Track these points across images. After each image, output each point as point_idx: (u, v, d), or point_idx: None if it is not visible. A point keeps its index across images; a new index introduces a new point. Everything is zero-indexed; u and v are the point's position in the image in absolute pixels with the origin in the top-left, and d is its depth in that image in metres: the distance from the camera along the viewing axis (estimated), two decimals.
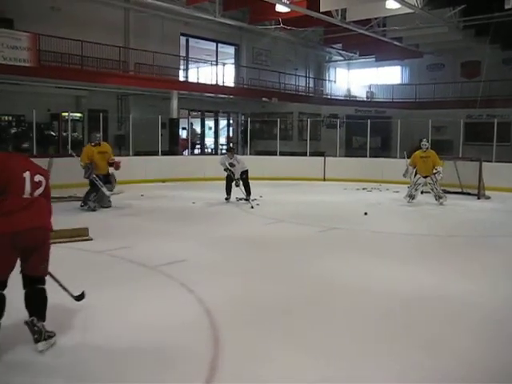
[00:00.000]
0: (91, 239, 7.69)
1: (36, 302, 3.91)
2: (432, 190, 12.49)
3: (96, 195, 10.62)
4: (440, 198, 12.40)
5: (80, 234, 7.80)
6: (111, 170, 11.10)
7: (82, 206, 10.59)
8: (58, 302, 4.37)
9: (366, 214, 10.64)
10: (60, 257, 6.70)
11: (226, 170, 12.20)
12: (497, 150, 16.45)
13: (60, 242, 7.42)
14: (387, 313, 4.78)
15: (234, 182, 12.10)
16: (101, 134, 11.54)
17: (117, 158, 11.33)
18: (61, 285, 4.33)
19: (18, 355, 3.74)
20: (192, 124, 20.97)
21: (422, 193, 13.24)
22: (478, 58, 25.28)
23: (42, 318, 3.85)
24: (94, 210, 10.42)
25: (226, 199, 12.27)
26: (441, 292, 5.40)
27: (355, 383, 3.46)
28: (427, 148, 12.46)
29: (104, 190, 10.60)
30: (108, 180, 10.94)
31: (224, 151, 20.02)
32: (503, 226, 9.97)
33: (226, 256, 7.01)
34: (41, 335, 3.74)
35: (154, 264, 6.28)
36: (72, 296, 4.41)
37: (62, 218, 9.71)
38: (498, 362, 3.79)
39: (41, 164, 4.37)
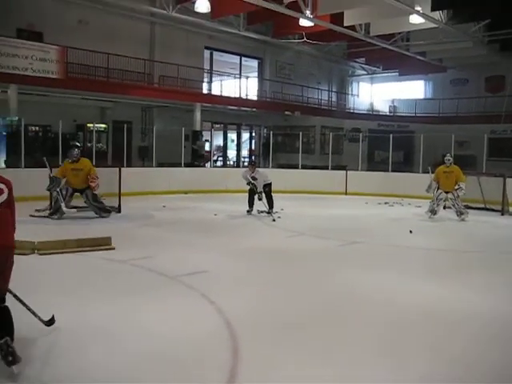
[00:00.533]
0: (114, 248, 7.79)
1: (7, 321, 3.62)
2: (453, 205, 12.39)
3: (51, 208, 10.84)
4: (462, 213, 12.27)
5: (103, 243, 7.91)
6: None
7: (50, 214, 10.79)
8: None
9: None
10: (82, 265, 6.92)
11: (248, 183, 12.28)
12: None
13: (83, 251, 7.60)
14: (405, 325, 4.77)
15: (257, 196, 12.17)
16: (79, 150, 10.99)
17: (98, 180, 11.01)
18: (29, 309, 4.08)
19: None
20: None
21: (444, 208, 13.16)
22: (503, 72, 25.12)
23: (12, 337, 3.57)
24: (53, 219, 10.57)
25: (248, 212, 12.32)
26: (459, 307, 5.36)
27: None
28: (451, 163, 12.37)
29: (62, 205, 10.60)
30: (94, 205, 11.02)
31: (246, 164, 20.20)
32: None
33: (247, 268, 7.05)
34: (14, 357, 3.46)
35: (174, 274, 6.34)
36: (42, 321, 4.17)
37: (85, 227, 9.98)
38: None
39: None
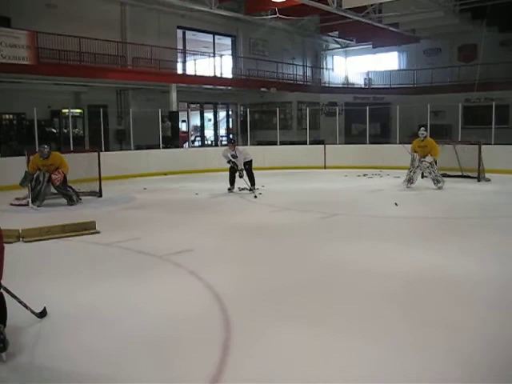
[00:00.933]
0: (99, 232, 7.83)
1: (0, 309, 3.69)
2: (430, 173, 12.61)
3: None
4: (438, 182, 12.49)
5: (87, 228, 7.95)
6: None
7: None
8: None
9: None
10: (69, 250, 6.97)
11: (229, 162, 12.32)
12: (496, 133, 16.54)
13: (68, 236, 7.63)
14: (387, 292, 4.93)
15: (238, 173, 12.23)
16: (49, 147, 10.90)
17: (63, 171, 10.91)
18: (20, 302, 4.07)
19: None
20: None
21: (422, 177, 13.39)
22: (475, 41, 25.26)
23: (5, 324, 3.64)
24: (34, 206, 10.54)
25: (229, 190, 12.41)
26: (443, 271, 5.54)
27: (355, 353, 3.61)
28: (425, 137, 12.58)
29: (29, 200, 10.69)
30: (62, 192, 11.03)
31: (225, 143, 20.19)
32: (503, 206, 10.10)
33: (232, 244, 7.17)
34: (4, 344, 3.51)
35: (162, 254, 6.42)
36: (33, 313, 4.19)
37: (68, 212, 9.97)
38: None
39: None
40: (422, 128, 12.92)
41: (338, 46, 32.21)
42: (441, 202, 11.00)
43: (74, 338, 3.97)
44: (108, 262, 6.28)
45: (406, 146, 13.52)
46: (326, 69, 32.07)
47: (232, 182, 12.44)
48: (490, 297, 4.79)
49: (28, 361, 3.59)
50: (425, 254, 6.32)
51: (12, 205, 10.85)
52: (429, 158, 12.42)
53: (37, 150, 11.49)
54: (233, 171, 12.39)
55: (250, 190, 12.11)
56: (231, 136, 13.55)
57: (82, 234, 7.74)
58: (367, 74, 31.53)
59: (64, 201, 11.02)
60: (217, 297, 4.80)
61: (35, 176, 10.67)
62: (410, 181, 12.63)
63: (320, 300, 4.78)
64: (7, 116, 17.82)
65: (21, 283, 4.52)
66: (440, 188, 12.38)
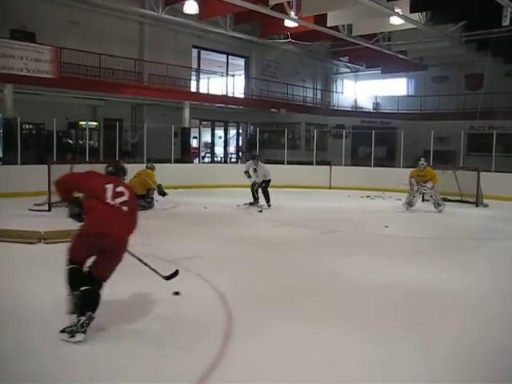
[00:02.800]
0: None
1: (93, 300, 4.32)
2: (431, 197, 13.16)
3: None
4: (439, 205, 13.02)
5: None
6: None
7: None
8: None
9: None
10: None
11: (245, 172, 13.12)
12: (499, 161, 17.10)
13: None
14: (378, 298, 5.50)
15: (252, 186, 13.04)
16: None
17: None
18: (149, 266, 5.29)
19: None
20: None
21: (423, 201, 13.96)
22: (481, 70, 25.85)
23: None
24: None
25: (252, 204, 13.10)
26: (429, 283, 6.12)
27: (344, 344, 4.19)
28: (425, 167, 13.18)
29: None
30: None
31: (233, 160, 20.88)
32: (494, 230, 10.65)
33: (237, 253, 7.77)
34: (84, 329, 4.16)
35: (172, 258, 7.00)
36: (161, 276, 5.35)
37: None
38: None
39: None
40: (422, 158, 13.45)
41: (349, 70, 32.99)
42: (436, 224, 11.56)
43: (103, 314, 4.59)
44: (122, 263, 6.86)
45: (400, 182, 13.94)
46: (336, 92, 32.82)
47: (255, 196, 13.10)
48: (470, 306, 5.38)
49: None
50: (415, 268, 6.92)
51: (31, 210, 11.49)
52: (429, 184, 13.00)
53: (55, 159, 12.21)
54: (254, 186, 13.14)
55: (253, 203, 12.95)
56: (254, 153, 14.21)
57: None
58: (375, 98, 32.23)
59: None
60: (221, 295, 5.39)
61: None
62: (409, 204, 13.17)
63: (317, 302, 5.39)
64: (27, 126, 18.58)
65: (49, 277, 5.12)
66: (440, 211, 12.87)
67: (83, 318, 4.15)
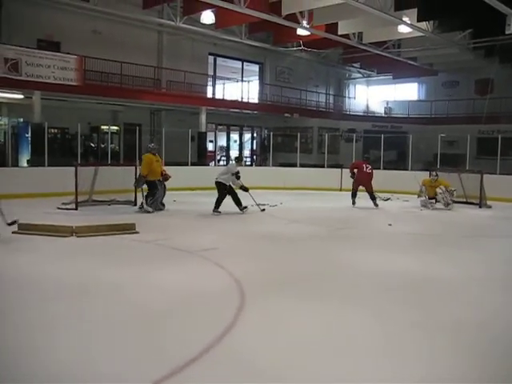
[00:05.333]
0: (138, 232, 9.27)
1: None
2: (443, 198, 14.13)
3: (152, 199, 12.32)
4: (448, 204, 14.05)
5: (129, 228, 9.40)
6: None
7: (140, 208, 12.37)
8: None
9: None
10: (113, 244, 8.43)
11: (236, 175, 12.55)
12: (508, 164, 17.76)
13: (112, 234, 9.09)
14: (381, 282, 6.27)
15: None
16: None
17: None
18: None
19: None
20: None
21: (436, 202, 14.89)
22: (491, 75, 26.37)
23: None
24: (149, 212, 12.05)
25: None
26: (424, 272, 6.88)
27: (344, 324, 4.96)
28: (436, 180, 14.22)
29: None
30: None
31: (248, 163, 21.52)
32: (492, 228, 11.38)
33: (251, 245, 8.62)
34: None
35: (191, 250, 7.84)
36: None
37: (110, 216, 11.45)
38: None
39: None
40: (433, 173, 14.53)
41: (360, 75, 33.65)
42: (438, 222, 12.24)
43: (122, 295, 5.42)
44: (147, 253, 7.76)
45: (417, 176, 14.86)
46: (348, 97, 33.52)
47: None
48: (457, 291, 6.13)
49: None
50: (415, 259, 7.69)
51: (59, 208, 12.38)
52: (439, 189, 14.05)
53: (79, 161, 13.10)
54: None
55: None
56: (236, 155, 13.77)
57: (124, 233, 9.18)
58: (387, 103, 32.84)
59: (104, 206, 12.61)
60: (236, 280, 6.17)
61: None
62: (425, 207, 14.31)
63: (324, 286, 6.15)
64: (52, 130, 19.56)
65: (79, 265, 5.95)
66: (450, 209, 13.97)
67: None
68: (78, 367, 3.77)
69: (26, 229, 8.80)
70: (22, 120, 19.39)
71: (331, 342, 4.44)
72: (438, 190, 14.04)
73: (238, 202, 12.43)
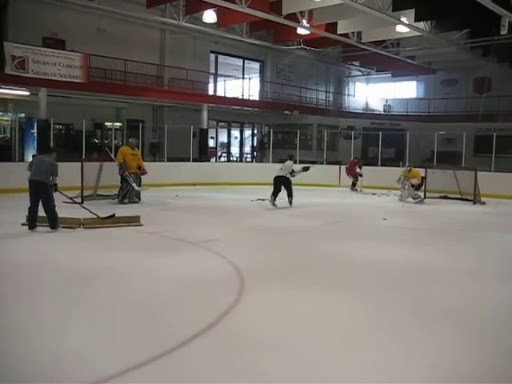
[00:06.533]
0: (142, 225, 9.69)
1: None
2: (409, 194, 15.19)
3: (124, 192, 13.04)
4: (415, 198, 15.13)
5: (133, 221, 9.83)
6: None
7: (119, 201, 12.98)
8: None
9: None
10: (118, 235, 8.86)
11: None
12: (504, 162, 18.18)
13: (118, 226, 9.52)
14: (376, 271, 6.70)
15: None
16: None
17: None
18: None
19: None
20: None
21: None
22: (489, 74, 26.70)
23: None
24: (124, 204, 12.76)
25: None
26: (418, 261, 7.31)
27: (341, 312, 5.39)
28: (409, 171, 15.32)
29: (134, 185, 13.02)
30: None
31: (249, 160, 21.90)
32: (484, 223, 11.77)
33: (250, 237, 9.06)
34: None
35: (194, 241, 8.27)
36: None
37: (114, 210, 11.86)
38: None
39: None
40: (407, 164, 16.25)
41: (360, 73, 33.96)
42: (432, 217, 12.65)
43: (127, 283, 5.86)
44: (151, 244, 8.21)
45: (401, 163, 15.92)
46: (348, 95, 33.88)
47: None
48: (445, 278, 6.56)
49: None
50: (409, 250, 8.14)
51: (65, 202, 12.77)
52: (413, 180, 15.12)
53: (83, 157, 13.56)
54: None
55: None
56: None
57: (129, 225, 9.61)
58: (386, 101, 33.20)
59: (109, 201, 13.04)
60: (236, 268, 6.59)
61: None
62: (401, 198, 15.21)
63: (319, 274, 6.61)
64: (57, 126, 19.95)
65: (86, 254, 6.38)
66: (420, 202, 14.98)
67: None
68: (86, 342, 4.21)
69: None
70: (28, 116, 19.77)
71: (325, 322, 4.87)
72: (405, 187, 15.12)
73: (291, 194, 13.36)
